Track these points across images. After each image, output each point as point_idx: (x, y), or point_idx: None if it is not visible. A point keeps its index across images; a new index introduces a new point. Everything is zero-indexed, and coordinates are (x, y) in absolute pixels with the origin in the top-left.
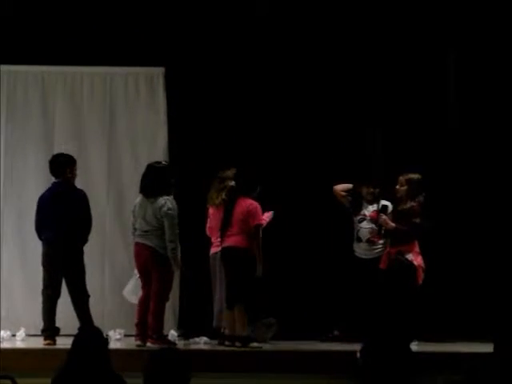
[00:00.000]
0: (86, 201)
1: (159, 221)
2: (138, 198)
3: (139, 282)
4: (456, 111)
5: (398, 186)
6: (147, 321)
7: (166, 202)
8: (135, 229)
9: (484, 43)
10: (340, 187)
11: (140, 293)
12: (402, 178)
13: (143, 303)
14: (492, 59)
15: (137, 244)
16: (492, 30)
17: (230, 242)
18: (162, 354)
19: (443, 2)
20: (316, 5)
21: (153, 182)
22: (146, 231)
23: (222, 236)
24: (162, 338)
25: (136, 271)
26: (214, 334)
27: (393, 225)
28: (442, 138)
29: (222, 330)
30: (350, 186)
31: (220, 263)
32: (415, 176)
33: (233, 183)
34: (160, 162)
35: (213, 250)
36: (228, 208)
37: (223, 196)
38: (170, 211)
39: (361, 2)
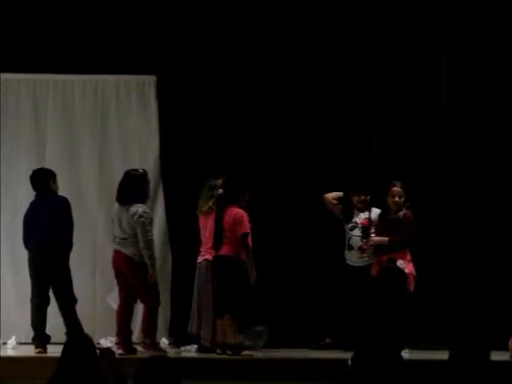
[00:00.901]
0: (66, 206)
1: (133, 228)
2: (116, 206)
3: None
4: (449, 119)
5: (397, 199)
6: (129, 328)
7: (138, 209)
8: (115, 236)
9: (478, 45)
10: (330, 195)
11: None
12: (399, 190)
13: (121, 311)
14: (487, 60)
15: (115, 251)
16: (486, 31)
17: (220, 251)
18: (151, 362)
19: (436, 4)
20: (308, 16)
21: (127, 189)
22: (123, 239)
23: (214, 245)
24: (154, 345)
25: None
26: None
27: (385, 239)
28: (434, 143)
29: (202, 342)
30: (340, 194)
31: (203, 272)
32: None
33: (221, 191)
34: (137, 170)
35: (199, 259)
36: (217, 217)
37: (210, 204)
38: (141, 218)
39: (357, 6)
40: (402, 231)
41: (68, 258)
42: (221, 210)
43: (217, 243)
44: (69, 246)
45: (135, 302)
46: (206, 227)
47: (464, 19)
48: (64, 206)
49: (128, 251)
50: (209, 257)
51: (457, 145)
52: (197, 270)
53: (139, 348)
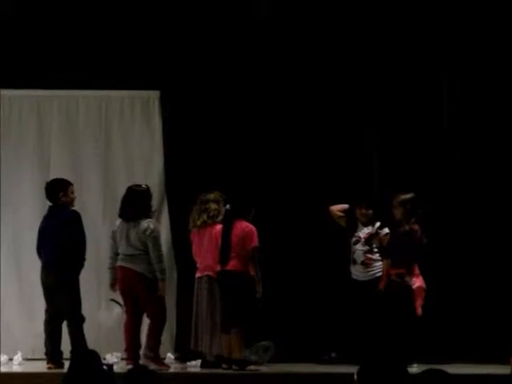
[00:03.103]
0: (76, 220)
1: (144, 244)
2: (118, 222)
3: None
4: (454, 130)
5: (393, 210)
6: (138, 343)
7: (149, 224)
8: (117, 253)
9: (479, 63)
10: (336, 207)
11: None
12: (394, 201)
13: (129, 328)
14: (488, 79)
15: (122, 268)
16: (487, 49)
17: (227, 266)
18: (134, 374)
19: (437, 22)
20: (309, 23)
21: (133, 205)
22: (130, 255)
23: (221, 260)
24: (157, 359)
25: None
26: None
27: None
28: (438, 157)
29: (207, 358)
30: (345, 206)
31: (204, 287)
32: (408, 196)
33: (228, 206)
34: (140, 185)
35: (198, 274)
36: (225, 232)
37: (204, 218)
38: (153, 233)
39: (359, 9)
40: (409, 245)
41: (78, 274)
42: (228, 225)
43: (224, 258)
44: (78, 262)
45: (142, 316)
46: (202, 242)
47: (465, 32)
48: (72, 220)
49: (139, 268)
50: (209, 272)
51: (462, 155)
52: (196, 286)
53: (142, 361)
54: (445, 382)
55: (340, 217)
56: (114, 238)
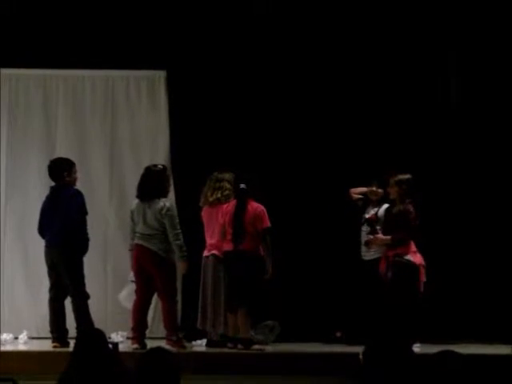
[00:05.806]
0: (78, 198)
1: (161, 223)
2: (135, 202)
3: (134, 288)
4: (458, 112)
5: (388, 188)
6: (145, 323)
7: (165, 203)
8: (135, 233)
9: (484, 46)
10: (355, 191)
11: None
12: (391, 180)
13: (138, 306)
14: (493, 62)
15: (138, 246)
16: (492, 32)
17: (240, 245)
18: (152, 356)
19: (442, 6)
20: (314, 11)
21: (149, 185)
22: (148, 234)
23: (234, 240)
24: (180, 341)
25: (131, 275)
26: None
27: (388, 237)
28: (444, 139)
29: (210, 337)
30: (364, 189)
31: (210, 266)
32: (405, 176)
33: (243, 186)
34: (156, 165)
35: (205, 253)
36: (239, 212)
37: (218, 195)
38: (169, 212)
39: (362, 6)
40: (402, 225)
41: (82, 252)
42: (243, 205)
43: (237, 238)
44: (81, 239)
45: (153, 296)
46: (211, 220)
47: (466, 18)
48: (75, 198)
49: (154, 246)
50: (216, 251)
51: (466, 142)
52: (202, 264)
53: (165, 345)
54: (458, 363)
55: (358, 199)
56: (132, 218)
